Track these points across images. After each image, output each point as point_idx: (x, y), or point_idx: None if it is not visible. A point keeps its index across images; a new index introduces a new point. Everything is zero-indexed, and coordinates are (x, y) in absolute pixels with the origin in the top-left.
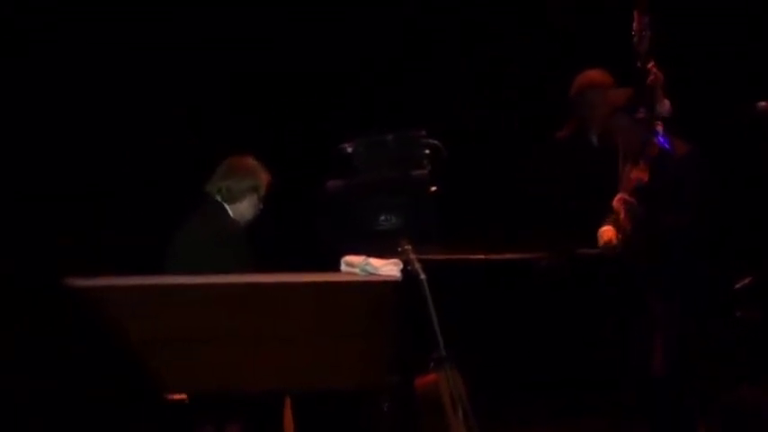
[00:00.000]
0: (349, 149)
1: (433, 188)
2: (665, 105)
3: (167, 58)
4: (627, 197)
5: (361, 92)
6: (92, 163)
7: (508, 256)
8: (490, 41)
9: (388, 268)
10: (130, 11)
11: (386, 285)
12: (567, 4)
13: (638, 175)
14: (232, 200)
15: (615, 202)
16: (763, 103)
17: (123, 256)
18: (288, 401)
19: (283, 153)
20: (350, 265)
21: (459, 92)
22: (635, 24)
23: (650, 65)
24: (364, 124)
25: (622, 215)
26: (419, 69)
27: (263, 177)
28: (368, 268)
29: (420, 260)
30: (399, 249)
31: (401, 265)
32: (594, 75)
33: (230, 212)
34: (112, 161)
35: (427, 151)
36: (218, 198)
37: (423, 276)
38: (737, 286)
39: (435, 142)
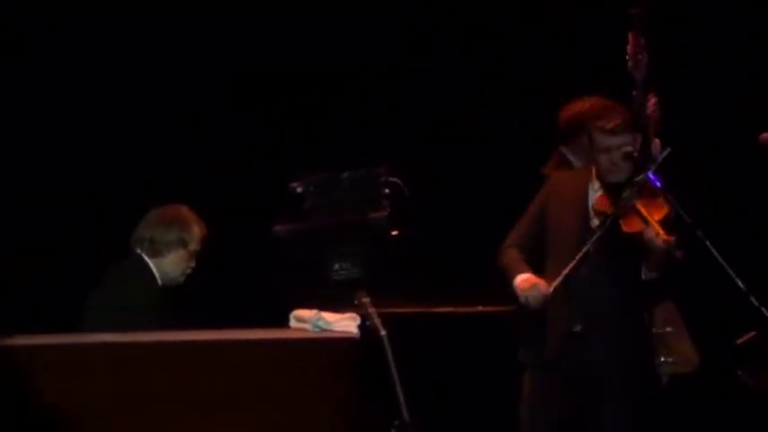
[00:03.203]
0: (299, 189)
1: (395, 232)
2: (655, 146)
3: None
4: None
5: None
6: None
7: (480, 308)
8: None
9: (343, 323)
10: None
11: (341, 343)
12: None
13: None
14: (155, 253)
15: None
16: (766, 135)
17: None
18: None
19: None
20: (300, 320)
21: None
22: (629, 47)
23: (650, 97)
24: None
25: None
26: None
27: (196, 230)
28: (320, 324)
29: (380, 314)
30: (356, 302)
31: (358, 320)
32: (594, 104)
33: (153, 269)
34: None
35: (387, 191)
36: (140, 251)
37: (383, 332)
38: (739, 341)
39: (396, 180)
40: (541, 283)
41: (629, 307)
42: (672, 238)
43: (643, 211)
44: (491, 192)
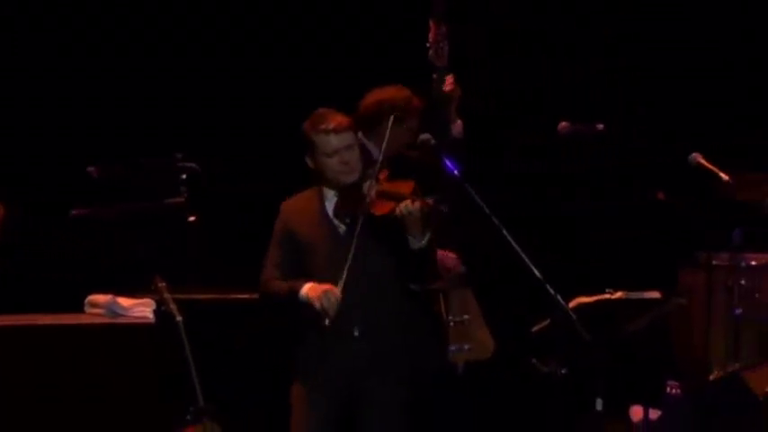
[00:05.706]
0: (96, 174)
1: (192, 218)
2: (457, 126)
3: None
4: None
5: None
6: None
7: None
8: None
9: (138, 309)
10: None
11: (136, 328)
12: None
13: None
14: None
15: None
16: (564, 124)
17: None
18: None
19: None
20: (94, 305)
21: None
22: (431, 35)
23: (447, 78)
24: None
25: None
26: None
27: None
28: (115, 308)
29: (177, 299)
30: (152, 287)
31: (154, 306)
32: (395, 93)
33: None
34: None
35: (184, 176)
36: None
37: (179, 318)
38: (535, 329)
39: (193, 166)
40: (331, 287)
41: (404, 309)
42: (428, 200)
43: (388, 190)
44: (291, 179)
